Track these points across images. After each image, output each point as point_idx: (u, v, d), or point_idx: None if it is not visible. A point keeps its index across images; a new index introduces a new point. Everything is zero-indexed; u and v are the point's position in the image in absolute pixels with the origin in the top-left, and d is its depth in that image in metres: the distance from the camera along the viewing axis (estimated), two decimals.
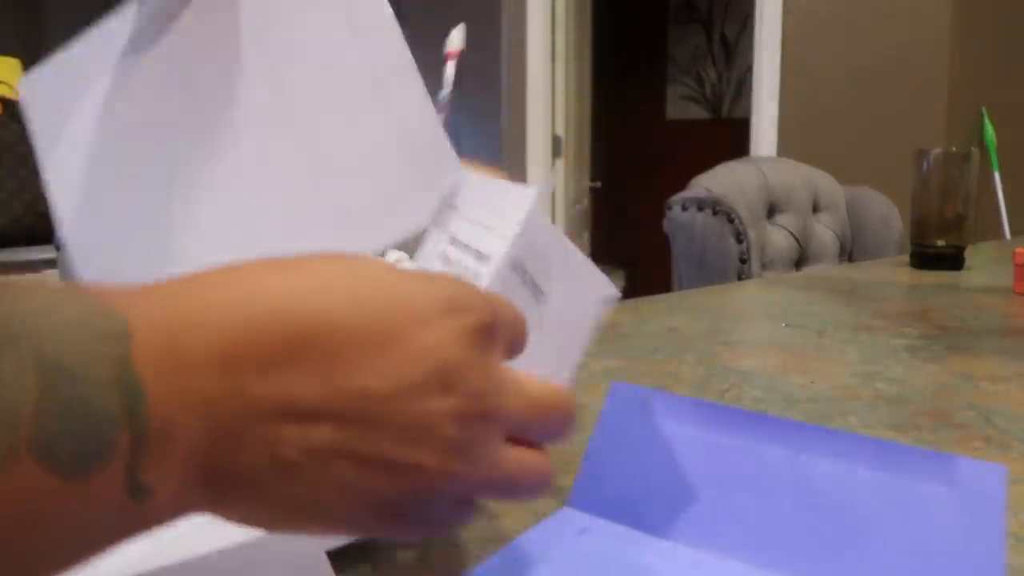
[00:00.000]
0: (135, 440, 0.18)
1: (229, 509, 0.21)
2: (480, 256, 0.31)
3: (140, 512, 0.19)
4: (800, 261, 1.66)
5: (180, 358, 0.19)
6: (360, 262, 0.22)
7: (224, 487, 0.20)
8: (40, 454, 0.16)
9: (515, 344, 0.25)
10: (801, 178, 1.71)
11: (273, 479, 0.20)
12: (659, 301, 0.93)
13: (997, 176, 2.48)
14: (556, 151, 3.06)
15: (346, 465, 0.21)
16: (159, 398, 0.18)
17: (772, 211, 1.64)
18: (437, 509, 0.23)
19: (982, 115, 2.52)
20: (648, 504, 0.31)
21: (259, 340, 0.20)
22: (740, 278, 1.44)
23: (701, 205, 1.49)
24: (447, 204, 0.35)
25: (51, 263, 2.10)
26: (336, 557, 0.31)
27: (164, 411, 0.18)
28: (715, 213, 1.47)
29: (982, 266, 1.21)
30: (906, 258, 1.25)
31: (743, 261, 1.45)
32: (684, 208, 1.51)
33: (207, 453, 0.19)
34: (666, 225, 1.55)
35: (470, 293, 0.23)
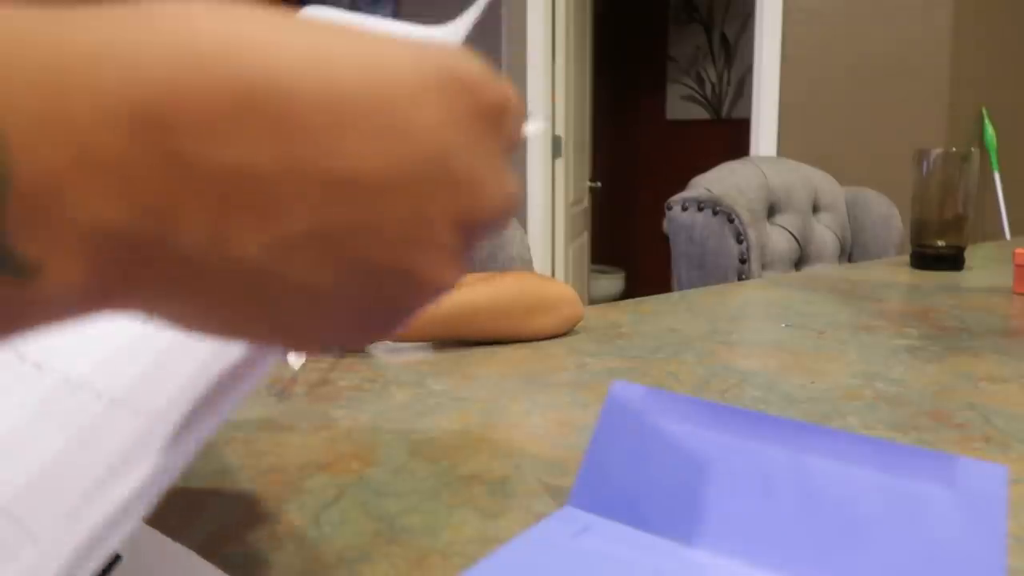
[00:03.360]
0: None
1: (158, 307, 0.16)
2: None
3: (27, 292, 0.14)
4: (800, 261, 1.66)
5: (71, 100, 0.13)
6: (319, 21, 0.17)
7: (154, 280, 0.16)
8: None
9: (517, 135, 0.21)
10: (801, 178, 1.71)
11: (223, 278, 0.16)
12: (659, 301, 0.93)
13: (997, 176, 2.48)
14: (556, 151, 3.06)
15: (320, 268, 0.16)
16: (33, 145, 0.13)
17: (772, 211, 1.64)
18: (409, 313, 0.19)
19: (982, 115, 2.52)
20: (648, 503, 0.31)
21: (198, 93, 0.14)
22: (740, 278, 1.44)
23: (701, 205, 1.49)
24: None
25: None
26: (332, 560, 0.31)
27: (43, 164, 0.13)
28: (715, 213, 1.47)
29: (982, 266, 1.21)
30: (906, 258, 1.25)
31: (743, 261, 1.45)
32: (684, 208, 1.51)
33: (127, 234, 0.14)
34: (666, 225, 1.55)
35: (476, 64, 0.18)
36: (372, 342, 0.19)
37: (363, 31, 0.17)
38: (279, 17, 0.16)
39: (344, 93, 0.16)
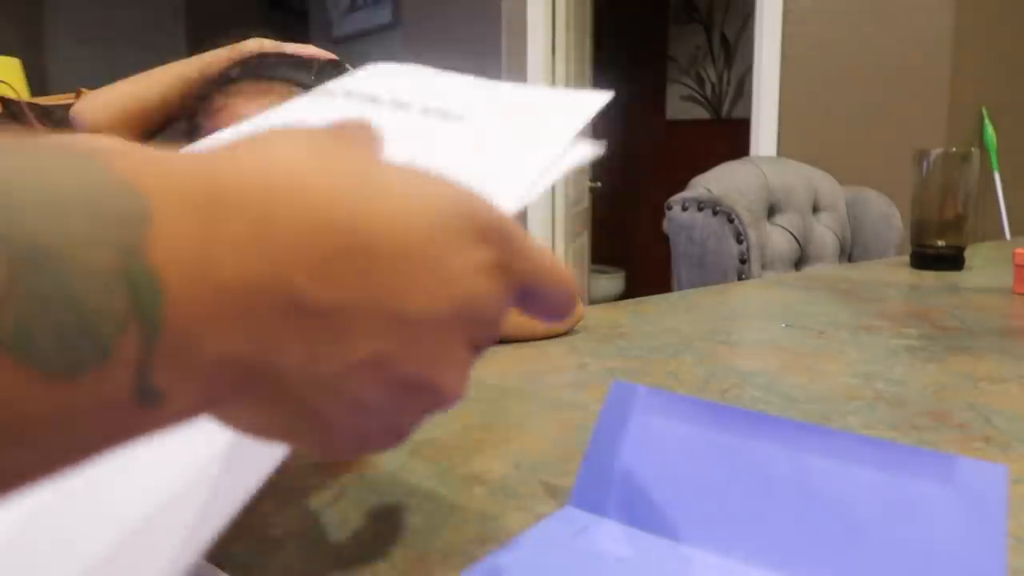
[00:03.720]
0: (145, 344, 0.15)
1: (242, 417, 0.20)
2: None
3: (148, 417, 0.17)
4: (800, 261, 1.66)
5: (217, 253, 0.16)
6: (391, 165, 0.22)
7: (252, 396, 0.19)
8: (18, 355, 0.14)
9: (527, 274, 0.25)
10: (801, 178, 1.71)
11: (305, 391, 0.19)
12: (659, 301, 0.93)
13: (997, 176, 2.48)
14: None
15: (375, 384, 0.21)
16: (184, 298, 0.16)
17: (772, 211, 1.64)
18: (424, 419, 0.24)
19: (982, 115, 2.52)
20: (648, 503, 0.31)
21: (310, 246, 0.18)
22: (740, 278, 1.44)
23: (701, 205, 1.49)
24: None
25: None
26: (331, 560, 0.31)
27: (189, 312, 0.16)
28: (715, 213, 1.47)
29: (982, 266, 1.21)
30: (906, 258, 1.25)
31: (743, 261, 1.45)
32: (684, 208, 1.51)
33: (241, 363, 0.18)
34: (666, 225, 1.55)
35: (497, 224, 0.23)
36: (390, 448, 0.24)
37: (424, 180, 0.22)
38: (361, 169, 0.21)
39: (412, 248, 0.20)
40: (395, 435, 0.23)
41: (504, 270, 0.23)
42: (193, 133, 0.74)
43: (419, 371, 0.21)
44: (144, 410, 0.16)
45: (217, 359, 0.17)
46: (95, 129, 0.76)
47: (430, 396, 0.22)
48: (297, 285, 0.18)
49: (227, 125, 0.71)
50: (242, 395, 0.19)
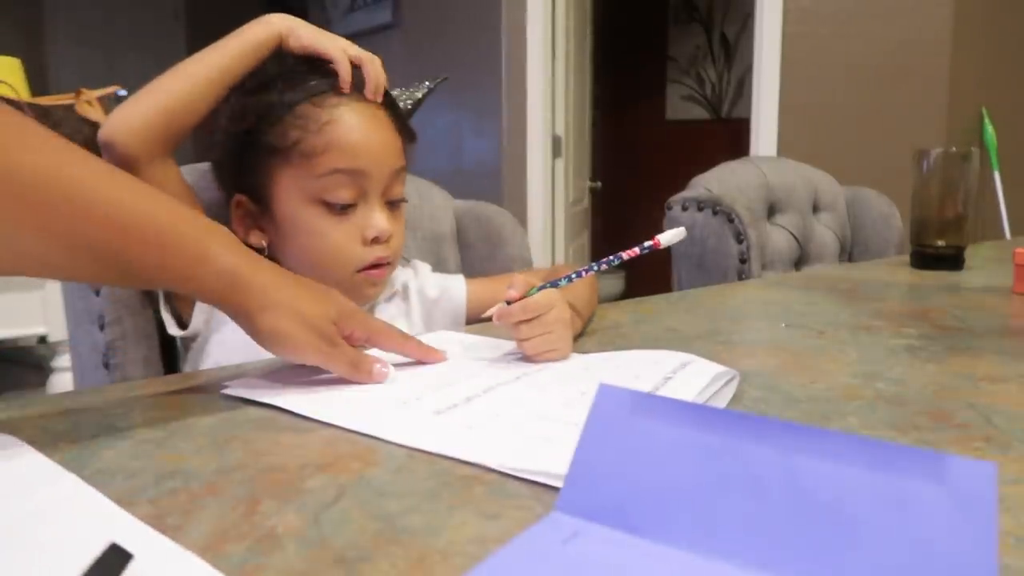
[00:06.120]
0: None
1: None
2: None
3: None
4: (800, 261, 1.66)
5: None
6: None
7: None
8: None
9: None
10: (801, 178, 1.71)
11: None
12: (659, 301, 0.93)
13: (997, 176, 2.48)
14: (556, 151, 3.06)
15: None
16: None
17: (772, 211, 1.64)
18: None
19: (982, 115, 2.52)
20: (638, 507, 0.31)
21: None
22: (740, 278, 1.44)
23: (701, 205, 1.49)
24: None
25: None
26: (331, 560, 0.31)
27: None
28: (715, 213, 1.47)
29: (982, 266, 1.21)
30: (906, 258, 1.25)
31: (743, 261, 1.45)
32: (684, 208, 1.51)
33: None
34: (666, 225, 1.54)
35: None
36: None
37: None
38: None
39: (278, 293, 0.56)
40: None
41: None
42: (292, 148, 0.73)
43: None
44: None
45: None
46: (130, 151, 0.71)
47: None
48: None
49: (337, 139, 0.73)
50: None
